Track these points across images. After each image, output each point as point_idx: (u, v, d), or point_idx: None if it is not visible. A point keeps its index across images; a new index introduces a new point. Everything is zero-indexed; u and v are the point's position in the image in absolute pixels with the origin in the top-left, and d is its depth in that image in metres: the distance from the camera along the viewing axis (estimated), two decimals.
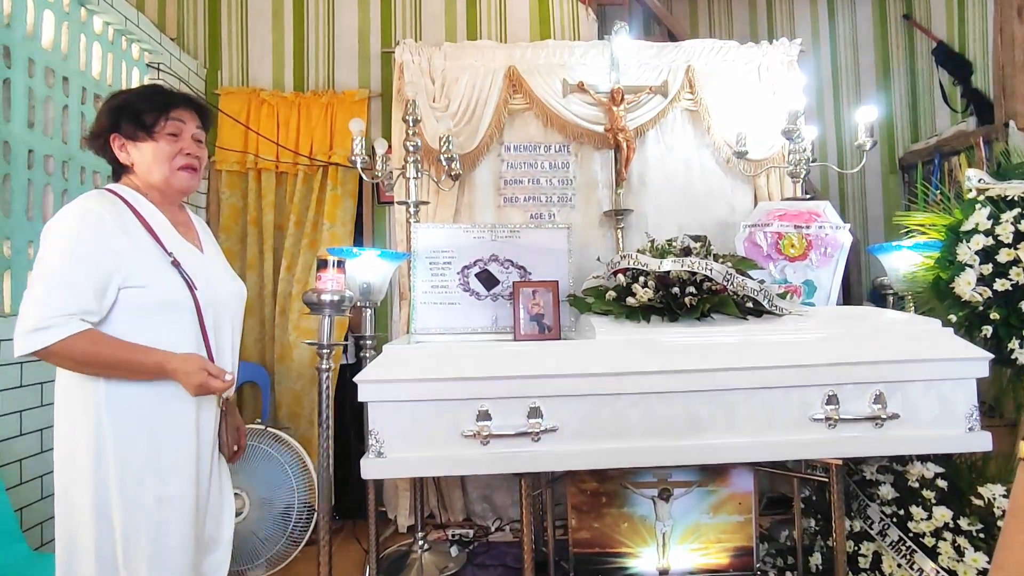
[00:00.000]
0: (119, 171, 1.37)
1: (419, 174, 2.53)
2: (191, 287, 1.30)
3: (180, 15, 3.14)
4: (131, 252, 1.24)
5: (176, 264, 1.30)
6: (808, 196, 2.75)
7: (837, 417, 1.72)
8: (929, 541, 1.83)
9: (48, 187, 2.14)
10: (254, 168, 3.08)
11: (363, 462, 1.67)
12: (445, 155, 2.54)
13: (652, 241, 2.12)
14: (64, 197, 2.21)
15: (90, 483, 1.21)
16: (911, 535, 1.87)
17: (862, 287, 3.54)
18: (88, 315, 1.19)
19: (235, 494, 2.09)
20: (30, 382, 1.97)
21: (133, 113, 1.31)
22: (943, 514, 1.84)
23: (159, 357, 1.23)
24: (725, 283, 1.86)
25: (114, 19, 2.44)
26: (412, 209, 2.52)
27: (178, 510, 1.28)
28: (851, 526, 1.98)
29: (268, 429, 2.18)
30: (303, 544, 2.19)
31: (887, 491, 1.97)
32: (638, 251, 2.03)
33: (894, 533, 1.90)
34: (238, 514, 2.08)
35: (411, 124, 2.49)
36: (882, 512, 1.95)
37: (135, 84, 2.67)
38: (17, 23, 1.98)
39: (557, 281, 2.20)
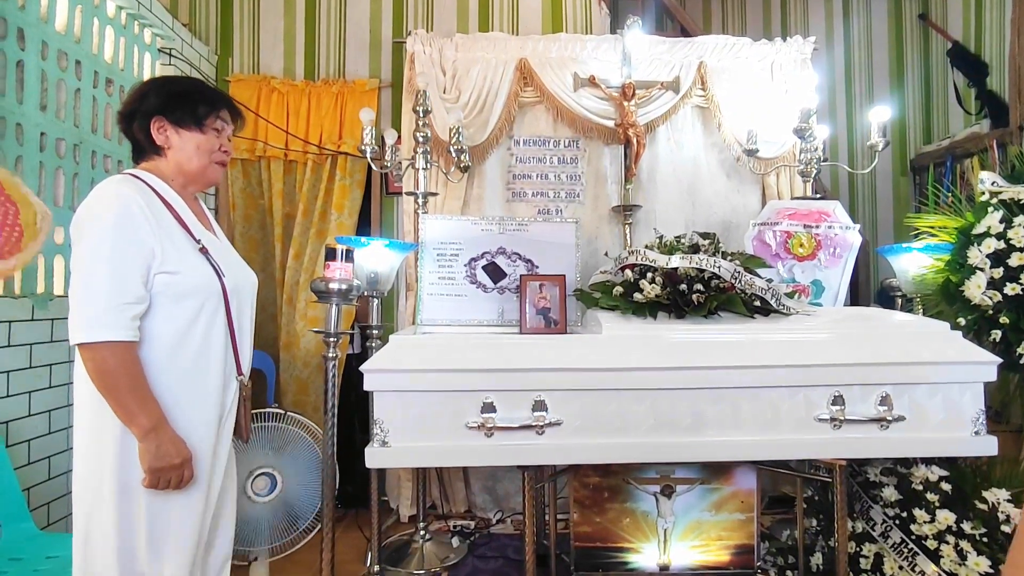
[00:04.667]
0: (140, 153, 1.38)
1: (428, 165, 2.52)
2: (219, 274, 1.32)
3: (192, 1, 3.14)
4: (163, 239, 1.26)
5: (204, 251, 1.32)
6: (818, 196, 2.74)
7: (843, 418, 1.72)
8: (931, 544, 1.83)
9: (59, 170, 2.15)
10: (264, 156, 3.08)
11: (367, 451, 1.68)
12: (455, 147, 2.53)
13: (660, 237, 2.12)
14: (75, 181, 2.21)
15: (115, 464, 1.22)
16: (913, 537, 1.86)
17: (870, 288, 3.53)
18: (141, 302, 1.22)
19: (268, 473, 2.13)
20: (39, 363, 1.99)
21: (189, 103, 1.35)
22: (946, 517, 1.83)
23: (159, 418, 1.22)
24: (733, 281, 1.86)
25: (127, 3, 2.44)
26: (421, 200, 2.52)
27: (202, 492, 1.30)
28: (853, 527, 1.98)
29: (289, 413, 2.19)
30: (313, 531, 2.22)
31: (890, 493, 1.96)
32: (646, 247, 2.03)
33: (896, 535, 1.89)
34: (270, 492, 2.11)
35: (421, 115, 2.49)
36: (885, 514, 1.95)
37: (147, 68, 2.67)
38: (31, 5, 1.98)
39: (564, 275, 2.19)
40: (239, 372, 1.39)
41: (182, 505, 1.27)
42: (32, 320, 1.95)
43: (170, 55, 2.77)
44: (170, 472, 1.22)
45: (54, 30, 2.10)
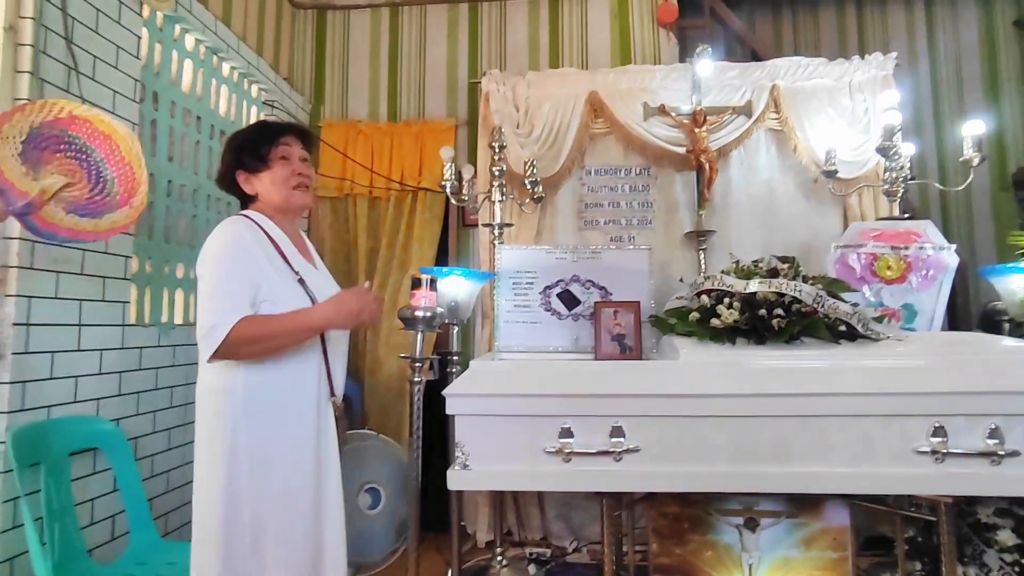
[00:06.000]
0: (246, 202, 1.56)
1: (504, 197, 2.63)
2: (314, 302, 1.46)
3: (292, 57, 3.48)
4: (268, 269, 1.42)
5: (302, 282, 1.46)
6: (906, 215, 2.61)
7: (945, 450, 1.61)
8: None
9: (181, 213, 2.43)
10: (351, 194, 3.32)
11: (449, 473, 1.73)
12: (529, 179, 2.63)
13: (737, 262, 2.09)
14: (194, 221, 2.49)
15: (224, 476, 1.35)
16: None
17: (970, 313, 3.27)
18: (245, 311, 1.36)
19: (373, 488, 2.26)
20: (163, 385, 2.23)
21: (251, 148, 1.50)
22: None
23: (315, 315, 1.40)
24: (816, 305, 1.81)
25: (239, 63, 2.76)
26: (497, 231, 2.62)
27: (301, 503, 1.41)
28: (964, 572, 1.83)
29: (379, 436, 2.32)
30: (397, 552, 2.30)
31: (1007, 536, 1.80)
32: (722, 272, 2.01)
33: None
34: (375, 507, 2.23)
35: (497, 150, 2.60)
36: (1002, 559, 1.79)
37: (253, 119, 2.98)
38: (164, 71, 2.29)
39: (639, 301, 2.21)
40: (332, 393, 1.51)
41: (282, 514, 1.38)
42: (159, 346, 2.20)
43: (272, 107, 3.07)
44: (361, 314, 1.44)
45: (181, 91, 2.41)
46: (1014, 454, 1.60)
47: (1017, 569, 1.76)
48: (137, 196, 1.67)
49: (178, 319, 2.37)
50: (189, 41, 2.44)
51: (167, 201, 2.32)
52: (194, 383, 1.43)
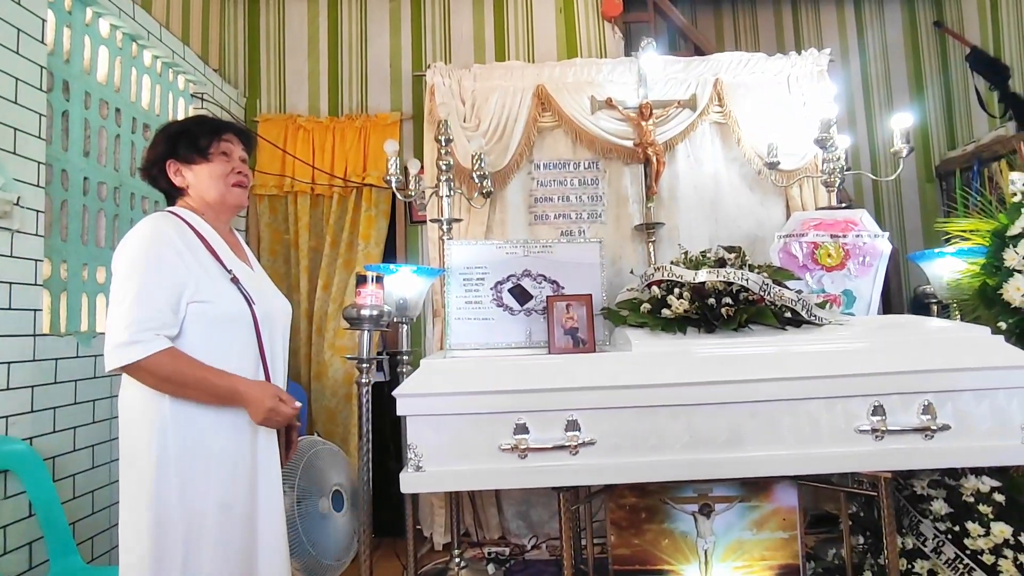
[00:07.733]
0: (172, 196, 1.45)
1: (452, 192, 2.57)
2: (249, 302, 1.36)
3: (222, 47, 3.29)
4: (196, 269, 1.31)
5: (235, 281, 1.37)
6: (843, 205, 2.71)
7: (884, 428, 1.67)
8: (988, 559, 1.75)
9: (101, 212, 2.25)
10: (291, 191, 3.17)
11: (402, 476, 1.68)
12: (477, 172, 2.58)
13: (686, 253, 2.12)
14: (116, 222, 2.31)
15: (151, 495, 1.24)
16: (968, 552, 1.79)
17: (903, 297, 3.45)
18: (168, 329, 1.26)
19: (336, 490, 2.16)
20: (84, 399, 2.05)
21: (189, 138, 1.41)
22: (1002, 530, 1.76)
23: (233, 382, 1.30)
24: (762, 293, 1.84)
25: (162, 53, 2.57)
26: (445, 226, 2.56)
27: (238, 518, 1.31)
28: (903, 543, 1.91)
29: (325, 442, 2.24)
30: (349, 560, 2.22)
31: (940, 506, 1.89)
32: (672, 263, 2.03)
33: (950, 550, 1.82)
34: (340, 510, 2.13)
35: (443, 143, 2.54)
36: (936, 528, 1.88)
37: (181, 113, 2.79)
38: (76, 58, 2.11)
39: (591, 294, 2.20)
40: None
41: (218, 531, 1.29)
42: (77, 357, 2.02)
43: (202, 99, 2.89)
44: (274, 415, 1.32)
45: (96, 81, 2.23)
46: (945, 428, 1.68)
47: (950, 537, 1.85)
48: None
49: (99, 327, 2.19)
50: (103, 26, 2.25)
51: (83, 200, 2.13)
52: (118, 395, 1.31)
